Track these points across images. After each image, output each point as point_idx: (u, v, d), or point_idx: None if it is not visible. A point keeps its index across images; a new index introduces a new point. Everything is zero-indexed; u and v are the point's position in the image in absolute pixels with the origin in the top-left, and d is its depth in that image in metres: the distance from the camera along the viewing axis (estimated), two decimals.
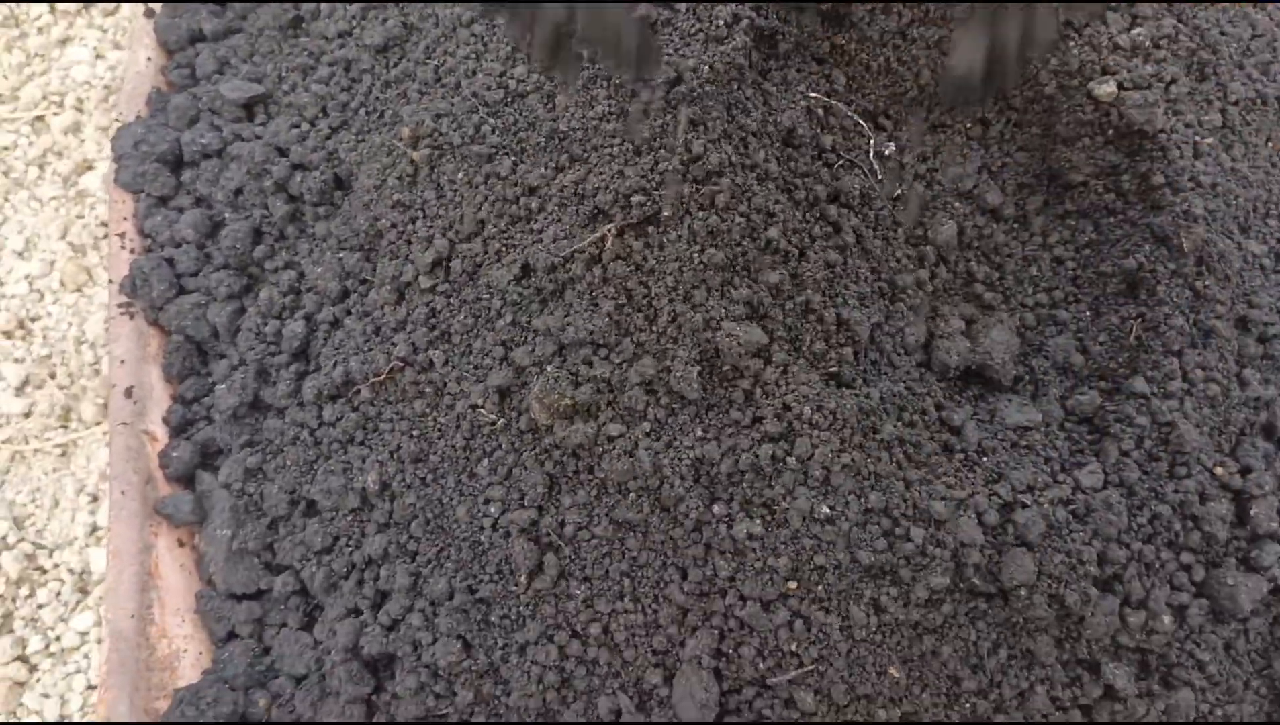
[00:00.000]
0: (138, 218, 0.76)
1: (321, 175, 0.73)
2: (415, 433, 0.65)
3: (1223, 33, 0.72)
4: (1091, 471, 0.63)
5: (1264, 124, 0.72)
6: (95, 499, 1.12)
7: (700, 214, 0.62)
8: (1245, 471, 0.65)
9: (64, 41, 1.26)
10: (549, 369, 0.62)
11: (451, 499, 0.64)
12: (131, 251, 0.76)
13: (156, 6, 0.82)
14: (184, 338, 0.73)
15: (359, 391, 0.67)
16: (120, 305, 0.74)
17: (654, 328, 0.61)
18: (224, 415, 0.70)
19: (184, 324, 0.73)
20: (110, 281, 0.75)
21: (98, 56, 1.25)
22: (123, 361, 0.72)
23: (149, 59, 0.81)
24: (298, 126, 0.75)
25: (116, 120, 1.17)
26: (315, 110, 0.75)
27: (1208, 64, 0.70)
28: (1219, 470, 0.64)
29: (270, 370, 0.71)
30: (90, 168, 1.21)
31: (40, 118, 1.22)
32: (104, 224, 1.19)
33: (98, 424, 1.16)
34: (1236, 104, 0.71)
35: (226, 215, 0.75)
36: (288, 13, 0.79)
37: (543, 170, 0.65)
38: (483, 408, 0.63)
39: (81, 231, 1.18)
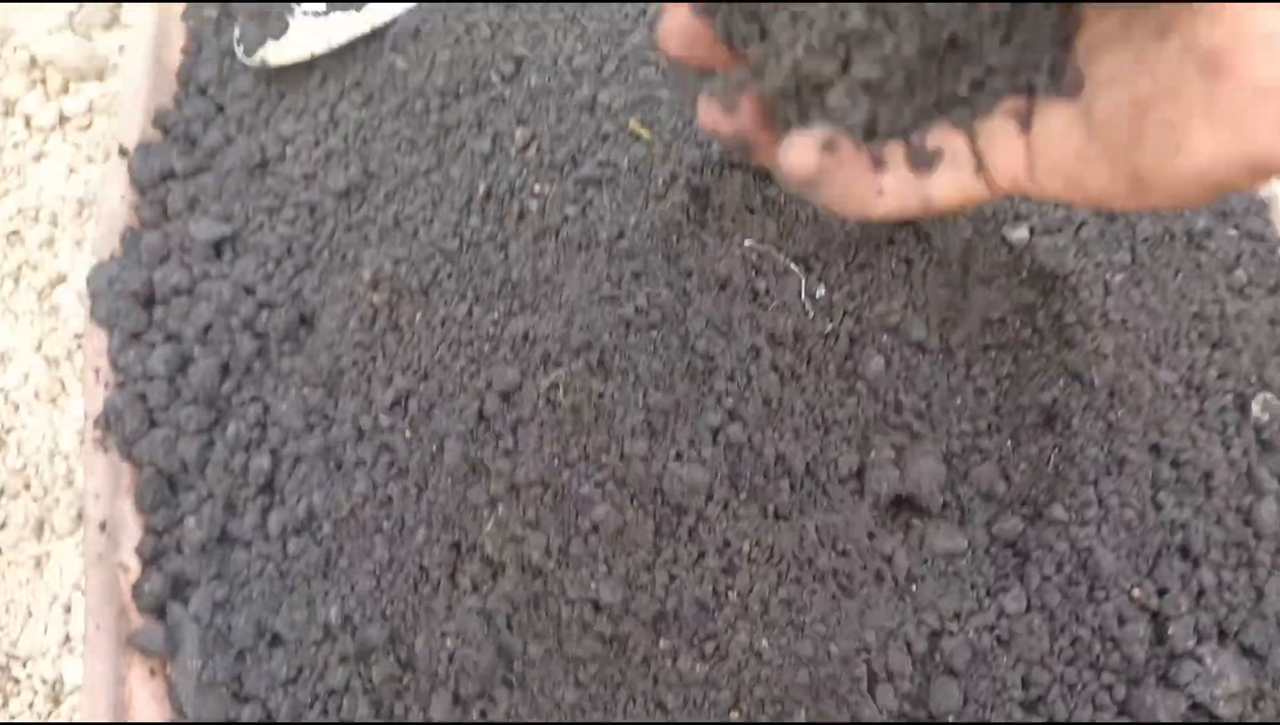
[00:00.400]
0: (111, 353, 0.80)
1: (287, 314, 0.76)
2: (374, 569, 0.68)
3: None
4: (1015, 596, 0.67)
5: (1172, 257, 0.77)
6: (68, 609, 1.14)
7: (644, 359, 0.66)
8: (1162, 592, 0.69)
9: (38, 157, 1.30)
10: (500, 509, 0.65)
11: (409, 633, 0.67)
12: (106, 386, 0.79)
13: (130, 147, 0.86)
14: (155, 471, 0.76)
15: (321, 527, 0.71)
16: (95, 440, 0.77)
17: (602, 470, 0.65)
18: (193, 548, 0.73)
19: (155, 457, 0.76)
20: (85, 416, 0.79)
21: (71, 172, 1.29)
22: (97, 496, 0.75)
23: (122, 197, 0.85)
24: (264, 266, 0.79)
25: (90, 243, 1.21)
26: (281, 251, 0.79)
27: None
28: (1136, 593, 0.68)
29: (237, 503, 0.74)
30: (64, 281, 1.24)
31: (15, 232, 1.25)
32: (77, 336, 1.22)
33: (71, 535, 1.18)
34: (1145, 241, 0.76)
35: (196, 351, 0.78)
36: (254, 155, 0.83)
37: (496, 315, 0.70)
38: (436, 545, 0.66)
39: (56, 344, 1.22)
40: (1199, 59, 0.33)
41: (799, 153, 0.45)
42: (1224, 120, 0.33)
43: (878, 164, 0.47)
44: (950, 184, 0.48)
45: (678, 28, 0.48)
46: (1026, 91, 0.44)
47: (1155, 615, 0.68)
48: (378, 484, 0.69)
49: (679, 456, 0.65)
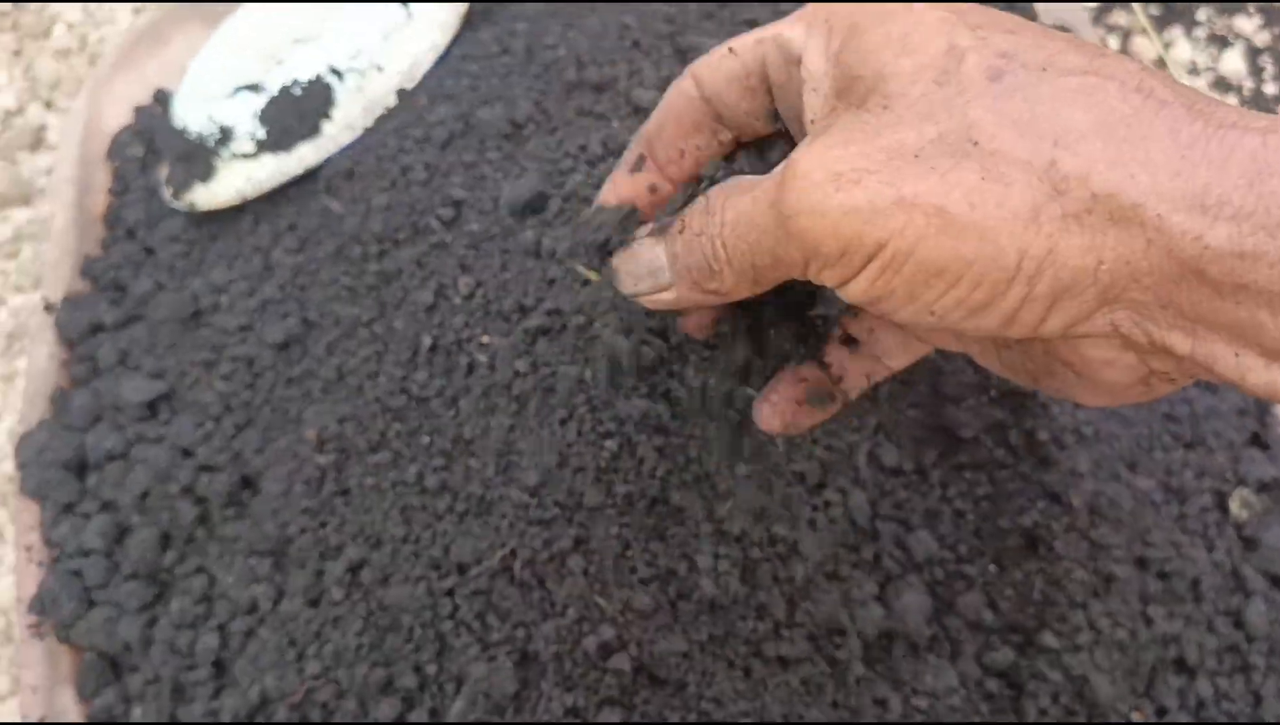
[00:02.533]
0: (44, 528, 0.75)
1: (229, 477, 0.72)
2: None
3: None
4: None
5: None
6: None
7: (605, 521, 0.63)
8: (1161, 711, 0.67)
9: None
10: (465, 689, 0.61)
11: None
12: (39, 563, 0.74)
13: (56, 300, 0.81)
14: (96, 655, 0.72)
15: (276, 711, 0.66)
16: (30, 626, 0.72)
17: (569, 655, 0.62)
18: None
19: (95, 640, 0.72)
20: (19, 600, 0.74)
21: (0, 303, 1.23)
22: (34, 689, 0.70)
23: (50, 355, 0.80)
24: (202, 426, 0.75)
25: (17, 411, 1.16)
26: (219, 408, 0.75)
27: None
28: (1136, 716, 0.66)
29: (186, 687, 0.70)
30: None
31: None
32: (10, 479, 1.16)
33: (13, 696, 1.12)
34: None
35: (134, 520, 0.74)
36: (186, 306, 0.79)
37: (447, 475, 0.66)
38: None
39: None
40: (1061, 361, 0.38)
41: (767, 418, 0.51)
42: (1101, 393, 0.39)
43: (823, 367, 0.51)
44: (897, 347, 0.51)
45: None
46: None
47: None
48: (330, 665, 0.65)
49: (659, 629, 0.62)
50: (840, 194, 0.33)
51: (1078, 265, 0.31)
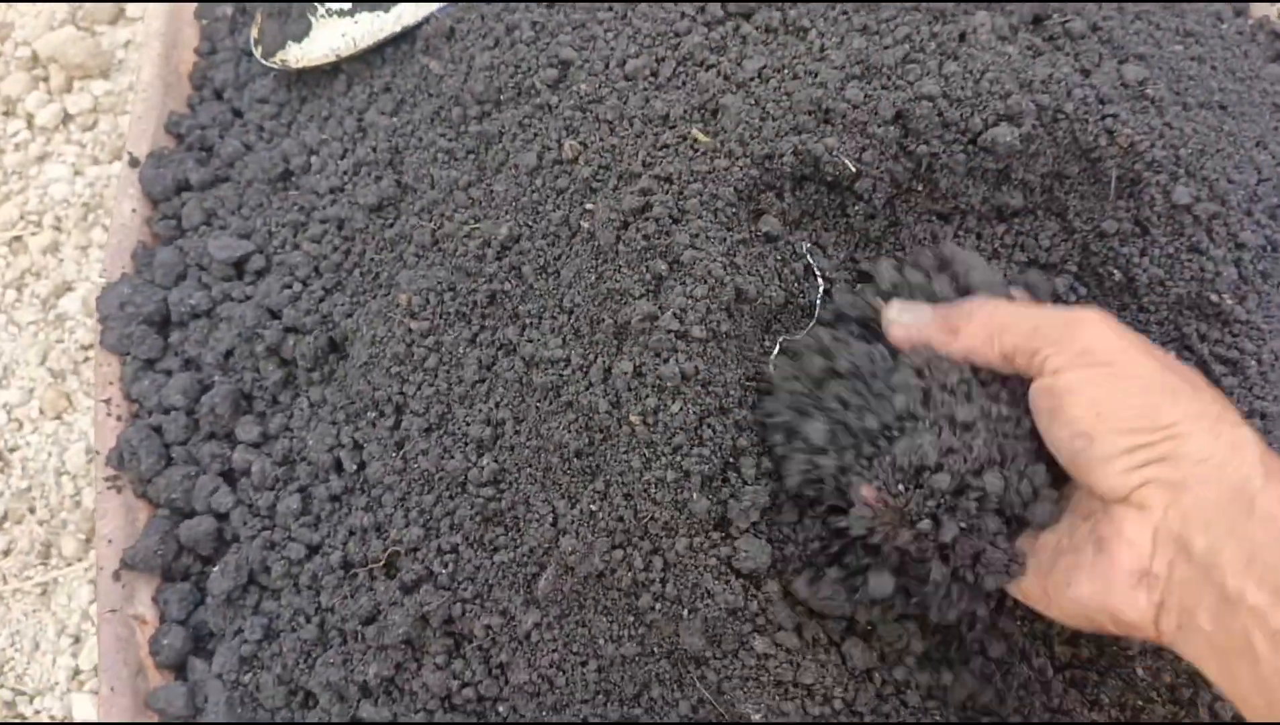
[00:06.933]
0: (124, 382, 0.74)
1: (316, 340, 0.70)
2: (414, 628, 0.62)
3: None
4: None
5: None
6: (77, 640, 1.08)
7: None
8: None
9: (41, 158, 1.24)
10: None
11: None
12: (118, 418, 0.73)
13: (141, 156, 0.79)
14: (171, 510, 0.71)
15: (356, 575, 0.65)
16: (107, 478, 0.71)
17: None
18: (217, 599, 0.67)
19: (173, 497, 0.70)
20: (96, 452, 0.73)
21: (76, 173, 1.23)
22: (109, 541, 0.69)
23: (134, 210, 0.78)
24: (290, 287, 0.73)
25: (99, 248, 1.15)
26: (308, 270, 0.73)
27: None
28: None
29: (264, 549, 0.68)
30: (70, 289, 1.19)
31: (18, 238, 1.19)
32: (84, 347, 1.16)
33: (80, 560, 1.12)
34: None
35: (216, 378, 0.72)
36: (276, 166, 0.76)
37: (543, 347, 0.64)
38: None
39: (61, 357, 1.16)
40: (1095, 538, 0.51)
41: None
42: (1099, 579, 0.50)
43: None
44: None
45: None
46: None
47: None
48: (410, 522, 0.63)
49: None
50: None
51: None
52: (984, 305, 0.55)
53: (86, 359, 1.18)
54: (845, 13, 0.69)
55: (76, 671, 1.06)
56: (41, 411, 1.12)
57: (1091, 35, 0.70)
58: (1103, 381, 0.50)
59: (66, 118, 1.25)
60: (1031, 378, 0.53)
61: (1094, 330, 0.52)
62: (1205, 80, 0.72)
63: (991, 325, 0.54)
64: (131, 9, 1.30)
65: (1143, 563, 0.48)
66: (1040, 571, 0.54)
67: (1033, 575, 0.54)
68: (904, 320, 0.57)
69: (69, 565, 1.09)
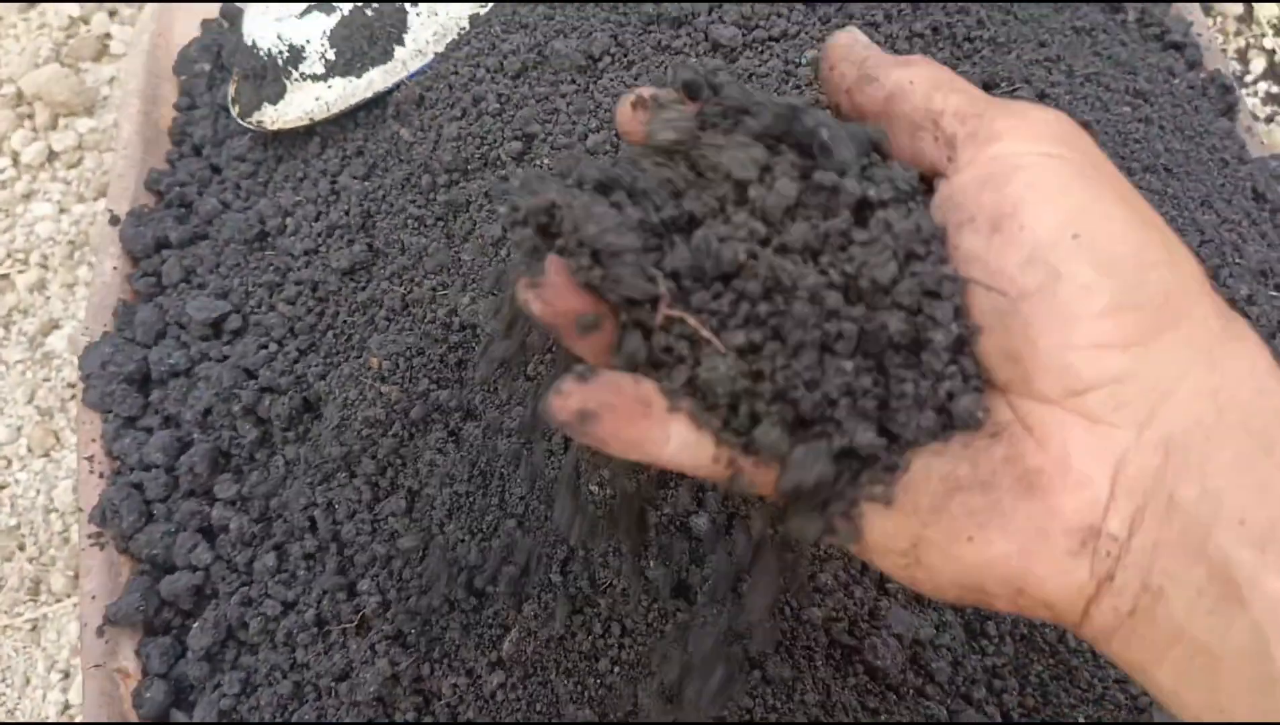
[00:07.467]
0: (105, 440, 0.76)
1: (291, 400, 0.73)
2: (384, 687, 0.65)
3: None
4: None
5: None
6: (67, 675, 1.11)
7: None
8: None
9: (27, 196, 1.26)
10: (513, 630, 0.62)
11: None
12: (100, 476, 0.75)
13: (121, 213, 0.82)
14: (152, 565, 0.73)
15: (330, 633, 0.67)
16: (90, 535, 0.74)
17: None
18: (197, 654, 0.70)
19: (154, 553, 0.73)
20: (80, 510, 0.75)
21: (62, 211, 1.24)
22: (93, 597, 0.72)
23: (114, 267, 0.81)
24: (265, 348, 0.75)
25: (85, 286, 1.16)
26: (283, 331, 0.75)
27: None
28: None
29: (242, 605, 0.71)
30: (57, 327, 1.21)
31: (5, 276, 1.21)
32: (71, 385, 1.18)
33: (69, 596, 1.15)
34: None
35: (195, 436, 0.75)
36: (253, 226, 0.79)
37: (507, 416, 0.66)
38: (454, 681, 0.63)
39: (49, 394, 1.18)
40: (1019, 472, 0.32)
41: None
42: (1018, 535, 0.32)
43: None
44: None
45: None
46: None
47: None
48: (390, 598, 0.66)
49: None
50: None
51: None
52: (929, 60, 0.36)
53: (74, 397, 1.20)
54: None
55: (67, 706, 1.08)
56: (29, 449, 1.14)
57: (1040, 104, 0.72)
58: (1089, 186, 0.32)
59: (51, 155, 1.27)
60: (945, 173, 0.35)
61: (1071, 125, 0.35)
62: (1152, 142, 0.74)
63: (939, 74, 0.35)
64: (115, 45, 1.32)
65: (1093, 516, 0.31)
66: (914, 512, 0.33)
67: (899, 516, 0.34)
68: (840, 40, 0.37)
69: (58, 601, 1.11)
